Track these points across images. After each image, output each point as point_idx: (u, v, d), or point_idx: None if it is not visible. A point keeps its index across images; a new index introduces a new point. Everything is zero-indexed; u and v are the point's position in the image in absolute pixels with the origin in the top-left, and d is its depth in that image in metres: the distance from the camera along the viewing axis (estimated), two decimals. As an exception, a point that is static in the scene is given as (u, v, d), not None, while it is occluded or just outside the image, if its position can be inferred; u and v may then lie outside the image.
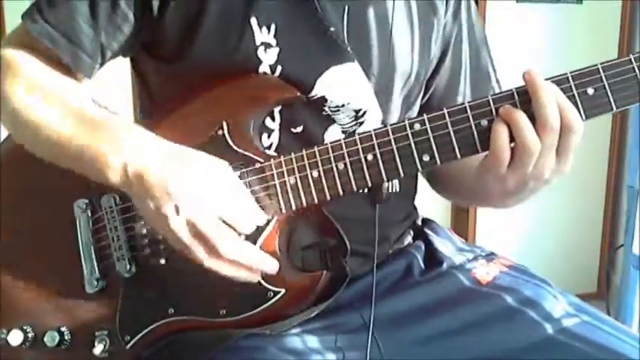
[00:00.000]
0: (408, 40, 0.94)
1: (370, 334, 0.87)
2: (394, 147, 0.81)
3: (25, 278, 0.91)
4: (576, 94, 0.77)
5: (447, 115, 0.80)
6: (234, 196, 0.79)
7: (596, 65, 0.78)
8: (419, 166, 0.81)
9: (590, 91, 0.77)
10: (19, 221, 0.93)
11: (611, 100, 0.77)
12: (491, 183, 0.83)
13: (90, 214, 0.88)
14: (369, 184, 0.82)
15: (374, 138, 0.81)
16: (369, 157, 0.81)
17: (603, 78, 0.77)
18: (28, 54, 0.86)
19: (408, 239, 1.02)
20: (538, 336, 0.89)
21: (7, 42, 0.88)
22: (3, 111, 0.85)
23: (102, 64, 0.89)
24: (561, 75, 0.78)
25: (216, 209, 0.76)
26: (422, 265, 0.98)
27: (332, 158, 0.82)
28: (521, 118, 0.77)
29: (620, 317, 2.27)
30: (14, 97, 0.83)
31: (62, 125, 0.80)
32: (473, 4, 1.05)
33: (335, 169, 0.82)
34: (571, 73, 0.78)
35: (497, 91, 1.02)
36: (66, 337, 0.89)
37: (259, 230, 0.82)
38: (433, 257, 0.99)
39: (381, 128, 0.82)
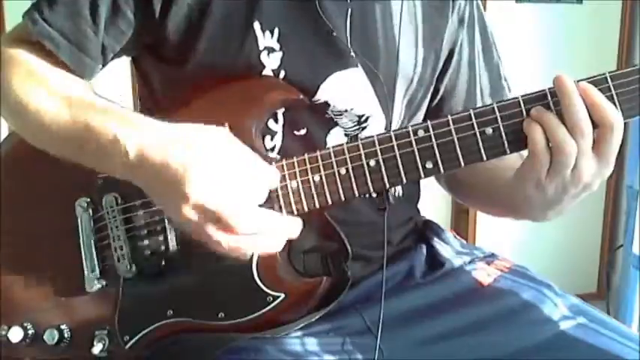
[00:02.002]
0: (412, 43, 0.93)
1: (378, 338, 0.87)
2: (397, 153, 0.80)
3: (26, 276, 0.91)
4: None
5: (451, 122, 0.79)
6: (241, 164, 0.74)
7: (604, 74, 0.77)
8: (421, 173, 0.80)
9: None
10: (21, 219, 0.92)
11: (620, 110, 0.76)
12: (531, 191, 0.80)
13: (91, 213, 0.88)
14: (371, 190, 0.81)
15: (377, 144, 0.80)
16: (372, 162, 0.80)
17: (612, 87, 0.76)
18: (30, 51, 0.85)
19: (410, 241, 1.02)
20: (537, 338, 0.89)
21: (6, 40, 0.87)
22: (4, 102, 0.84)
23: (104, 65, 0.89)
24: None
25: (225, 185, 0.72)
26: (423, 266, 0.98)
27: (334, 163, 0.81)
28: (553, 118, 0.75)
29: (620, 317, 2.27)
30: (16, 88, 0.82)
31: (64, 111, 0.79)
32: (480, 4, 1.03)
33: (337, 174, 0.81)
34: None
35: (509, 95, 1.01)
36: (65, 335, 0.89)
37: None
38: (435, 259, 0.99)
39: (384, 133, 0.81)
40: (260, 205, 0.75)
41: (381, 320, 0.87)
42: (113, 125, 0.75)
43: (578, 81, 0.76)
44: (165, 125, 0.75)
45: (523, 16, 2.56)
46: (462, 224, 2.69)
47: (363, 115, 0.90)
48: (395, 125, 0.94)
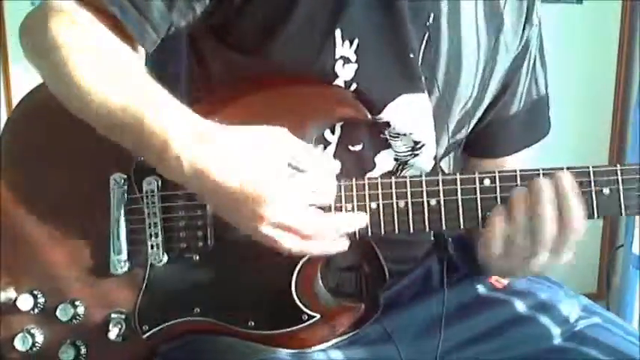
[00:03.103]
0: (473, 72, 0.90)
1: (438, 353, 0.86)
2: (459, 197, 0.78)
3: (48, 241, 0.86)
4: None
5: (518, 177, 0.77)
6: (308, 170, 0.74)
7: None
8: (480, 223, 0.79)
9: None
10: (52, 178, 0.87)
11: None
12: (484, 259, 0.81)
13: (127, 191, 0.84)
14: (427, 229, 0.80)
15: (441, 183, 0.79)
16: (433, 202, 0.79)
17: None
18: (91, 13, 0.78)
19: (427, 247, 1.01)
20: (554, 340, 0.89)
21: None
22: (50, 63, 0.77)
23: (162, 39, 0.84)
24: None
25: (299, 199, 0.72)
26: (439, 270, 0.97)
27: (394, 194, 0.79)
28: (519, 216, 0.75)
29: (620, 317, 2.27)
30: (71, 53, 0.75)
31: (115, 93, 0.74)
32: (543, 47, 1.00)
33: (395, 205, 0.79)
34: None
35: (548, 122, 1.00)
36: (79, 312, 0.85)
37: None
38: (449, 262, 0.97)
39: (450, 175, 0.79)
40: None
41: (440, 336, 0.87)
42: (167, 127, 0.71)
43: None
44: (223, 132, 0.73)
45: (523, 16, 2.55)
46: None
47: (419, 142, 0.88)
48: (440, 152, 0.92)
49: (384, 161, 0.88)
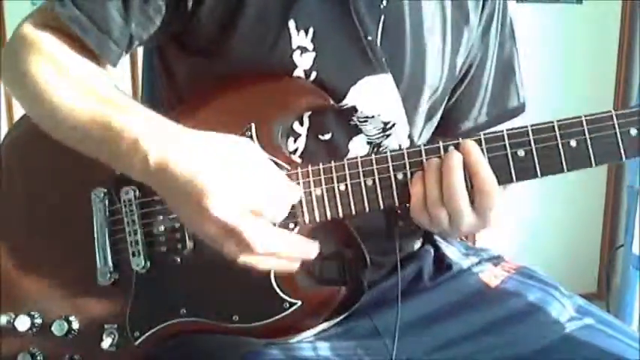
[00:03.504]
0: (439, 52, 0.92)
1: (395, 344, 0.87)
2: (425, 168, 0.78)
3: (37, 264, 0.89)
4: (618, 133, 0.75)
5: (483, 141, 0.78)
6: (265, 181, 0.74)
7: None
8: None
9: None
10: (35, 204, 0.90)
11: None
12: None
13: (107, 204, 0.86)
14: (397, 203, 0.80)
15: (406, 157, 0.79)
16: (400, 175, 0.79)
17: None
18: (54, 36, 0.81)
19: (418, 244, 1.02)
20: (546, 340, 0.89)
21: (30, 21, 0.83)
22: (22, 88, 0.81)
23: (127, 53, 0.86)
24: (605, 112, 0.76)
25: (247, 202, 0.72)
26: (431, 269, 0.98)
27: (361, 173, 0.80)
28: (432, 182, 0.77)
29: (620, 317, 2.27)
30: (35, 75, 0.79)
31: (85, 106, 0.76)
32: (510, 17, 1.02)
33: (363, 184, 0.80)
34: (615, 111, 0.76)
35: (520, 109, 1.02)
36: (74, 327, 0.88)
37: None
38: (442, 262, 0.99)
39: (414, 147, 0.80)
40: (283, 220, 0.76)
41: (397, 329, 0.87)
42: (135, 128, 0.73)
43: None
44: (189, 134, 0.74)
45: (523, 16, 2.55)
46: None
47: (388, 123, 0.89)
48: (416, 133, 0.94)
49: (358, 147, 0.88)
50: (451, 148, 0.78)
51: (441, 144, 0.79)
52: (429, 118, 0.96)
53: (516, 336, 0.90)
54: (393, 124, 0.89)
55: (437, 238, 1.03)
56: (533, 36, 2.57)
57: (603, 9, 2.59)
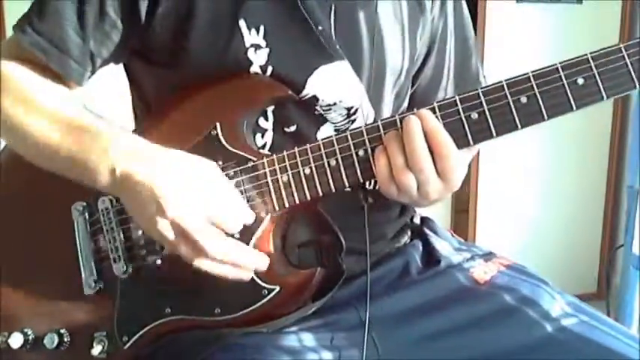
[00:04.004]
0: (398, 37, 0.95)
1: (366, 332, 0.88)
2: (384, 142, 0.80)
3: (25, 282, 0.92)
4: (566, 84, 0.77)
5: (437, 109, 0.80)
6: (221, 195, 0.79)
7: (585, 55, 0.79)
8: None
9: (580, 80, 0.78)
10: (18, 224, 0.94)
11: (602, 89, 0.77)
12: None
13: (87, 217, 0.89)
14: (361, 180, 0.82)
15: (365, 134, 0.82)
16: (361, 152, 0.82)
17: (593, 67, 0.78)
18: (21, 65, 0.86)
19: (406, 238, 1.03)
20: (536, 335, 0.89)
21: (3, 54, 0.88)
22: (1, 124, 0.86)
23: (93, 72, 0.90)
24: (551, 66, 0.78)
25: (202, 209, 0.77)
26: (419, 263, 0.98)
27: (324, 155, 0.82)
28: (396, 150, 0.79)
29: (620, 317, 2.27)
30: (10, 118, 0.84)
31: (51, 135, 0.82)
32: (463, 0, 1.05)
33: (327, 165, 0.82)
34: (560, 63, 0.78)
35: (474, 75, 1.06)
36: (65, 339, 0.90)
37: (252, 228, 0.83)
38: (431, 256, 0.99)
39: (372, 124, 0.82)
40: (250, 207, 0.82)
41: (367, 314, 0.88)
42: (102, 142, 0.79)
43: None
44: (154, 148, 0.79)
45: (523, 16, 2.56)
46: (461, 224, 2.70)
47: (351, 108, 0.91)
48: (384, 114, 0.95)
49: (326, 135, 0.89)
50: (408, 115, 0.80)
51: (397, 117, 0.81)
52: (397, 101, 0.99)
53: (508, 329, 0.90)
54: (356, 109, 0.92)
55: (428, 232, 1.03)
56: (533, 36, 2.58)
57: (603, 9, 2.60)
